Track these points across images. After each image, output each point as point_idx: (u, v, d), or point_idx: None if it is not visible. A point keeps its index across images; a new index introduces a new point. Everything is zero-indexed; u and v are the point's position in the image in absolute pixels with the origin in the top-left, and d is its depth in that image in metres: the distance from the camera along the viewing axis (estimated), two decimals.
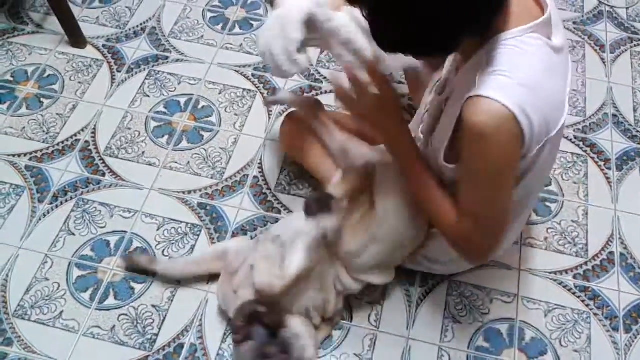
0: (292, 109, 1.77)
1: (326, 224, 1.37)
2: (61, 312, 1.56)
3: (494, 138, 1.06)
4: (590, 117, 1.98)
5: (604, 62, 2.13)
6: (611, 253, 1.68)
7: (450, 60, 1.32)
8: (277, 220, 1.72)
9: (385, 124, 1.30)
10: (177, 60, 2.10)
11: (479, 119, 1.05)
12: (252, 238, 1.67)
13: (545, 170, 1.33)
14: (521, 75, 1.07)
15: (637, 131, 1.95)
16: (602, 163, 1.87)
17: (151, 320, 1.55)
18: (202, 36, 2.18)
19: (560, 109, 1.15)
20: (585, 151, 1.90)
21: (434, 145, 1.28)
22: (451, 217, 1.24)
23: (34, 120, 1.94)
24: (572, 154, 1.89)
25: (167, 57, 2.11)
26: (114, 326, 1.54)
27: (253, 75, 2.07)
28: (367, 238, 1.40)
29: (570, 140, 1.92)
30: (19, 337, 1.52)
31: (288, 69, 1.41)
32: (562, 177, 1.83)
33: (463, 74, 1.17)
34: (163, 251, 1.66)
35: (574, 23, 2.25)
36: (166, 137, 1.91)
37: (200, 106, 1.99)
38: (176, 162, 1.85)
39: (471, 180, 1.16)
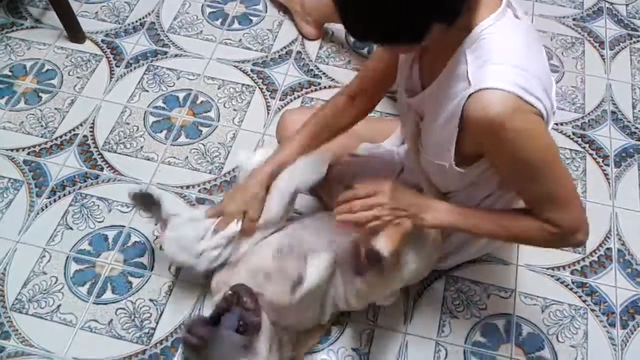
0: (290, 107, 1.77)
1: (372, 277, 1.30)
2: (59, 306, 1.56)
3: (515, 122, 1.04)
4: (589, 114, 1.98)
5: (603, 59, 2.13)
6: (609, 249, 1.68)
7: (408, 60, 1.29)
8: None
9: (417, 207, 1.25)
10: (176, 56, 2.10)
11: (493, 111, 1.04)
12: None
13: None
14: (512, 58, 1.06)
15: (636, 128, 1.95)
16: (600, 159, 1.87)
17: (149, 314, 1.55)
18: (201, 31, 2.18)
19: (550, 82, 1.15)
20: (584, 147, 1.90)
21: (433, 156, 1.24)
22: (538, 227, 1.20)
23: (32, 115, 1.94)
24: (571, 150, 1.89)
25: (166, 52, 2.11)
26: (111, 320, 1.54)
27: (252, 70, 2.07)
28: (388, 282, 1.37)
29: (569, 136, 1.92)
30: (17, 330, 1.52)
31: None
32: None
33: (445, 74, 1.14)
34: (160, 246, 1.66)
35: (574, 19, 2.24)
36: (165, 132, 1.91)
37: (199, 101, 1.99)
38: (174, 157, 1.85)
39: (520, 172, 1.13)
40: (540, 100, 1.07)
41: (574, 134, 1.93)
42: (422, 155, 1.29)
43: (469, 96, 1.06)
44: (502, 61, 1.06)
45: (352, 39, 2.17)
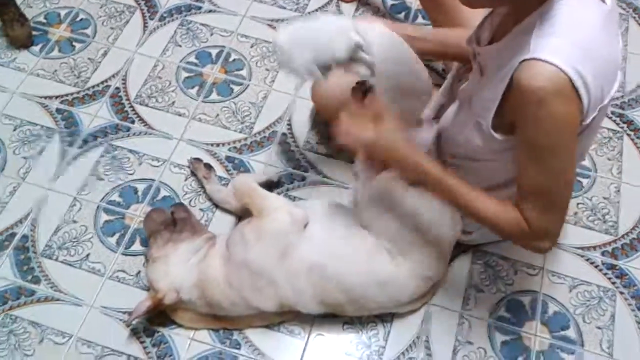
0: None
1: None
2: (88, 255, 1.58)
3: (553, 103, 1.02)
4: (629, 93, 1.93)
5: None
6: None
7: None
8: (303, 179, 1.71)
9: (394, 155, 1.26)
10: (210, 11, 2.07)
11: (537, 84, 1.02)
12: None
13: (590, 140, 1.29)
14: (579, 37, 1.04)
15: None
16: (638, 140, 1.83)
17: None
18: None
19: (614, 74, 1.12)
20: (622, 127, 1.86)
21: (475, 110, 1.24)
22: (506, 214, 1.19)
23: (66, 63, 1.93)
24: (608, 129, 1.85)
25: (200, 7, 2.08)
26: (139, 271, 1.56)
27: None
28: None
29: (607, 115, 1.88)
30: (46, 275, 1.54)
31: (300, 75, 1.30)
32: (596, 152, 1.80)
33: (513, 36, 1.13)
34: (190, 202, 1.67)
35: None
36: (196, 88, 1.90)
37: (231, 59, 1.96)
38: (205, 114, 1.84)
39: (531, 152, 1.12)
40: (588, 91, 1.04)
41: (612, 112, 1.88)
42: (468, 109, 1.28)
43: (523, 61, 1.04)
44: (566, 36, 1.03)
45: (389, 2, 2.12)
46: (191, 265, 1.42)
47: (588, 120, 1.09)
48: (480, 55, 1.25)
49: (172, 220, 1.50)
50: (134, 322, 1.46)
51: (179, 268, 1.41)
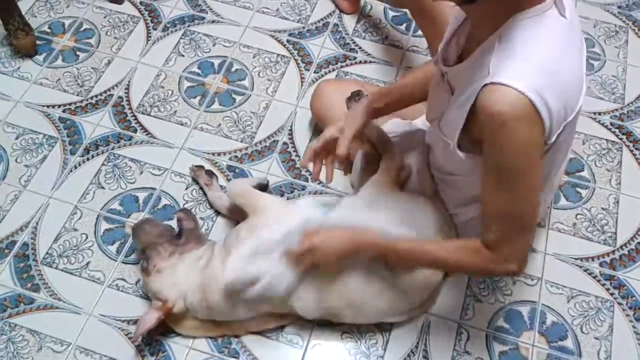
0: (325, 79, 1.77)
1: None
2: (88, 263, 1.59)
3: (515, 128, 1.03)
4: (628, 105, 1.94)
5: None
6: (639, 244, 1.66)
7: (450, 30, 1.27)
8: (303, 188, 1.73)
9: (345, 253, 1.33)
10: (213, 22, 2.09)
11: (499, 108, 1.03)
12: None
13: (562, 153, 1.28)
14: (539, 58, 1.04)
15: None
16: (637, 152, 1.83)
17: None
18: None
19: (578, 89, 1.12)
20: (621, 139, 1.86)
21: (444, 132, 1.24)
22: (466, 247, 1.24)
23: (69, 72, 1.95)
24: (607, 140, 1.86)
25: (203, 18, 2.10)
26: (138, 280, 1.56)
27: (288, 41, 2.05)
28: None
29: (606, 126, 1.89)
30: (46, 284, 1.55)
31: None
32: (595, 163, 1.80)
33: (476, 56, 1.12)
34: (191, 210, 1.67)
35: (619, 7, 2.19)
36: (198, 97, 1.91)
37: (233, 69, 1.98)
38: (207, 124, 1.85)
39: (495, 174, 1.13)
40: (550, 112, 1.05)
41: (611, 124, 1.89)
42: (438, 127, 1.29)
43: (484, 85, 1.05)
44: (526, 58, 1.03)
45: (390, 14, 2.14)
46: (195, 272, 1.43)
47: (552, 139, 1.10)
48: (447, 74, 1.25)
49: (173, 231, 1.51)
50: (139, 339, 1.46)
51: (186, 277, 1.42)
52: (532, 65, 1.03)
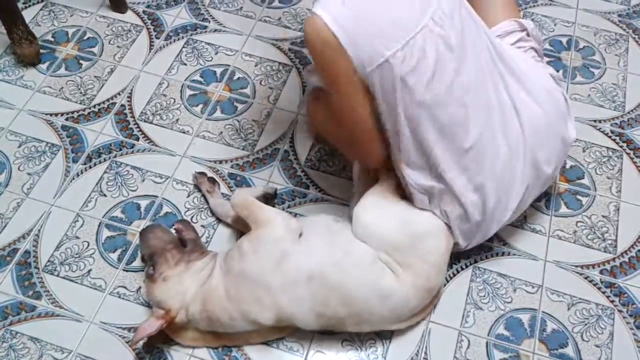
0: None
1: None
2: (89, 271, 1.60)
3: (316, 50, 1.30)
4: (628, 113, 1.94)
5: None
6: None
7: None
8: (304, 195, 1.73)
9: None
10: (216, 31, 2.11)
11: (306, 34, 1.29)
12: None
13: (442, 108, 1.36)
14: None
15: None
16: (637, 159, 1.84)
17: None
18: (242, 8, 2.18)
19: (401, 33, 1.28)
20: (622, 146, 1.87)
21: None
22: None
23: (72, 81, 1.97)
24: (608, 148, 1.86)
25: (205, 27, 2.11)
26: (139, 287, 1.57)
27: (290, 49, 2.07)
28: None
29: (607, 134, 1.89)
30: (48, 291, 1.56)
31: None
32: (595, 171, 1.81)
33: None
34: (192, 218, 1.68)
35: (619, 16, 2.20)
36: (200, 106, 1.92)
37: (235, 77, 1.99)
38: (209, 132, 1.87)
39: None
40: (352, 39, 1.26)
41: (612, 132, 1.89)
42: None
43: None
44: None
45: None
46: (197, 284, 1.43)
47: (369, 70, 1.28)
48: None
49: (179, 240, 1.52)
50: (138, 345, 1.47)
51: (190, 288, 1.43)
52: (342, 3, 1.27)
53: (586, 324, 1.54)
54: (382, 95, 1.32)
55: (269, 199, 1.68)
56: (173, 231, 1.55)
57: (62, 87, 1.95)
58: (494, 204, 1.46)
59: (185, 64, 2.02)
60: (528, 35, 1.59)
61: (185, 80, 1.98)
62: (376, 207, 1.47)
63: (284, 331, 1.48)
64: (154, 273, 1.44)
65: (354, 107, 1.36)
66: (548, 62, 1.67)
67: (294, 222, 1.47)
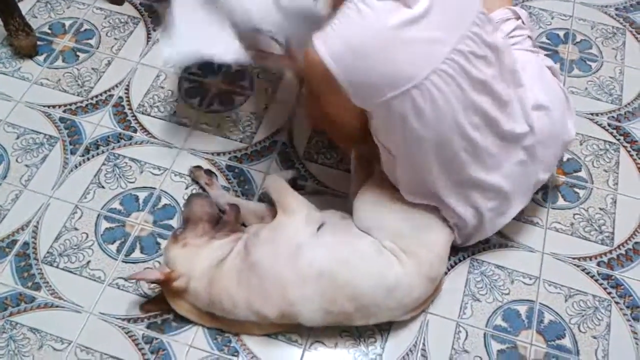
0: None
1: None
2: (88, 262, 1.60)
3: (314, 81, 1.30)
4: (625, 106, 1.95)
5: None
6: (637, 243, 1.67)
7: None
8: (303, 188, 1.73)
9: None
10: None
11: (305, 63, 1.26)
12: None
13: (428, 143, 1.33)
14: (345, 33, 1.21)
15: None
16: (634, 152, 1.85)
17: None
18: None
19: (396, 81, 1.22)
20: (619, 139, 1.87)
21: None
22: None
23: (70, 73, 1.96)
24: (605, 141, 1.87)
25: None
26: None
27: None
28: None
29: (604, 127, 1.90)
30: (47, 282, 1.56)
31: None
32: (592, 164, 1.81)
33: None
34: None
35: (616, 9, 2.20)
36: (198, 98, 1.92)
37: (233, 70, 1.99)
38: (207, 124, 1.86)
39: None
40: (352, 83, 1.25)
41: (609, 125, 1.90)
42: None
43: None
44: (335, 28, 1.23)
45: None
46: (210, 262, 1.44)
47: (367, 104, 1.27)
48: None
49: (217, 217, 1.55)
50: (132, 281, 1.53)
51: (204, 262, 1.44)
52: (336, 33, 1.22)
53: (583, 316, 1.56)
54: (381, 123, 1.32)
55: (294, 181, 1.71)
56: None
57: (59, 79, 1.94)
58: (494, 215, 1.49)
59: None
60: (523, 23, 1.59)
61: (183, 72, 1.97)
62: (376, 198, 1.47)
63: (281, 328, 1.48)
64: (179, 235, 1.47)
65: (344, 117, 1.39)
66: (545, 56, 1.67)
67: (317, 215, 1.50)
